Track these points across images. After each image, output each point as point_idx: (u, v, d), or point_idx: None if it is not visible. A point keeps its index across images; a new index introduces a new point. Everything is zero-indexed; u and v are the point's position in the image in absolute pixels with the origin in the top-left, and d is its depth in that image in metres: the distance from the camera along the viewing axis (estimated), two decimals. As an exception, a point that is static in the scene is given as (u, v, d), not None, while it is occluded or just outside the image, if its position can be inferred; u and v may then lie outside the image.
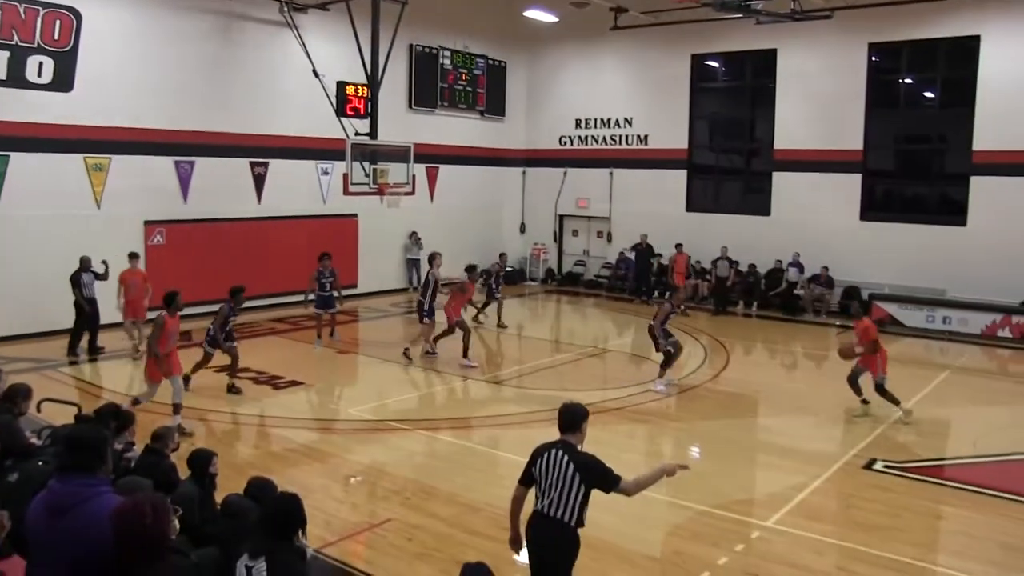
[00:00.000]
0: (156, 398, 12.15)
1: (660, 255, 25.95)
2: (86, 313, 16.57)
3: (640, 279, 26.09)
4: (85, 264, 16.72)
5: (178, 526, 4.74)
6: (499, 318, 20.60)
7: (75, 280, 16.54)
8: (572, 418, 5.99)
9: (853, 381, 13.61)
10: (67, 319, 16.71)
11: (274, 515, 5.04)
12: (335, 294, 17.84)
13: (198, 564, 4.51)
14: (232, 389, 13.95)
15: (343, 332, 19.03)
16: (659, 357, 15.32)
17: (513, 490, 6.20)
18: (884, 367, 13.23)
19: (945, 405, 14.27)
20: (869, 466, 11.15)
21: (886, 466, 11.16)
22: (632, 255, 26.38)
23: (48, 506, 4.33)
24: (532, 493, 6.10)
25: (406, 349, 16.99)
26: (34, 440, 7.82)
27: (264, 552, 4.86)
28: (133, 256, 17.16)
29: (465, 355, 16.37)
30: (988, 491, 10.33)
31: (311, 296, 17.68)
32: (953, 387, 15.78)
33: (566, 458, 5.83)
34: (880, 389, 13.21)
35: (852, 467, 11.12)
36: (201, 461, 6.88)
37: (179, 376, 12.02)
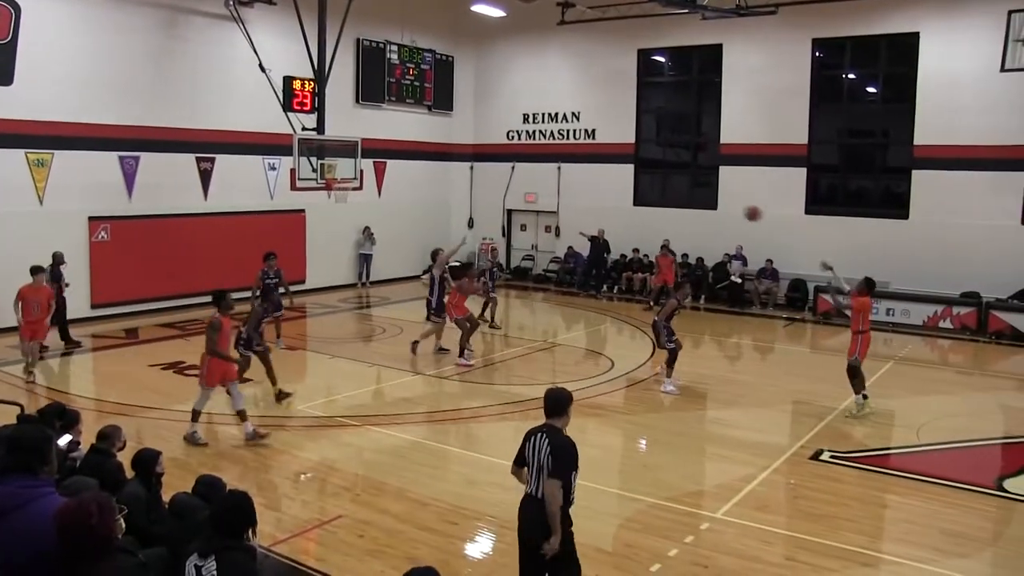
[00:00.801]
0: (102, 401, 11.99)
1: (608, 252, 26.11)
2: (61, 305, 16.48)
3: (590, 273, 26.02)
4: (59, 259, 16.74)
5: (124, 525, 4.63)
6: (491, 318, 19.81)
7: (56, 275, 16.47)
8: (556, 403, 6.13)
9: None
10: (9, 317, 15.81)
11: (223, 514, 4.94)
12: (282, 291, 17.25)
13: (145, 564, 4.40)
14: (282, 396, 13.23)
15: (290, 329, 18.80)
16: (663, 356, 14.96)
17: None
18: (864, 351, 13.10)
19: (890, 395, 14.35)
20: (816, 456, 11.21)
21: (832, 456, 11.23)
22: (587, 249, 26.09)
23: (-12, 509, 4.17)
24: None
25: (415, 342, 16.71)
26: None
27: (214, 551, 4.75)
28: (37, 271, 14.72)
29: (461, 353, 16.13)
30: (930, 479, 10.46)
31: (257, 293, 16.80)
32: (897, 377, 15.90)
33: (547, 440, 5.98)
34: (852, 370, 13.16)
35: (799, 458, 11.16)
36: (146, 461, 6.73)
37: (236, 381, 11.59)
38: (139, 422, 12.08)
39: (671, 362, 14.50)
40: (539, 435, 6.06)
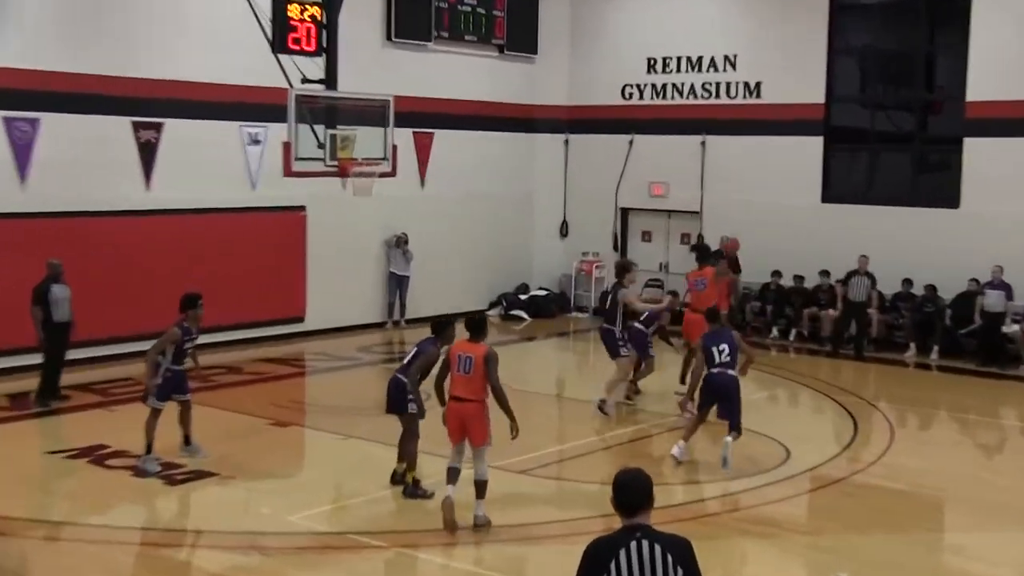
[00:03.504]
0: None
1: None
2: (54, 343, 17.59)
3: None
4: (55, 271, 17.79)
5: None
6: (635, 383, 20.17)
7: (42, 295, 17.53)
8: (642, 489, 6.29)
9: None
10: None
11: None
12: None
13: None
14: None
15: (280, 394, 19.37)
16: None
17: None
18: None
19: None
20: None
21: None
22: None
23: None
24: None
25: (601, 401, 18.08)
26: None
27: None
28: None
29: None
30: None
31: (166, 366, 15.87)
32: None
33: (659, 550, 6.12)
34: None
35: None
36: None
37: None
38: (26, 546, 12.32)
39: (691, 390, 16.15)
40: (634, 543, 6.13)
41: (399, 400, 13.89)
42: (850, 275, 24.07)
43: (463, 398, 12.52)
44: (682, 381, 18.57)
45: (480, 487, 12.60)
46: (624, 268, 18.55)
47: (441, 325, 13.49)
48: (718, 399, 15.51)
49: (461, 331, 13.43)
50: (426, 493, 13.75)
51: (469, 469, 12.77)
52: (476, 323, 13.03)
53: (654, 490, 6.27)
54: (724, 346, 15.45)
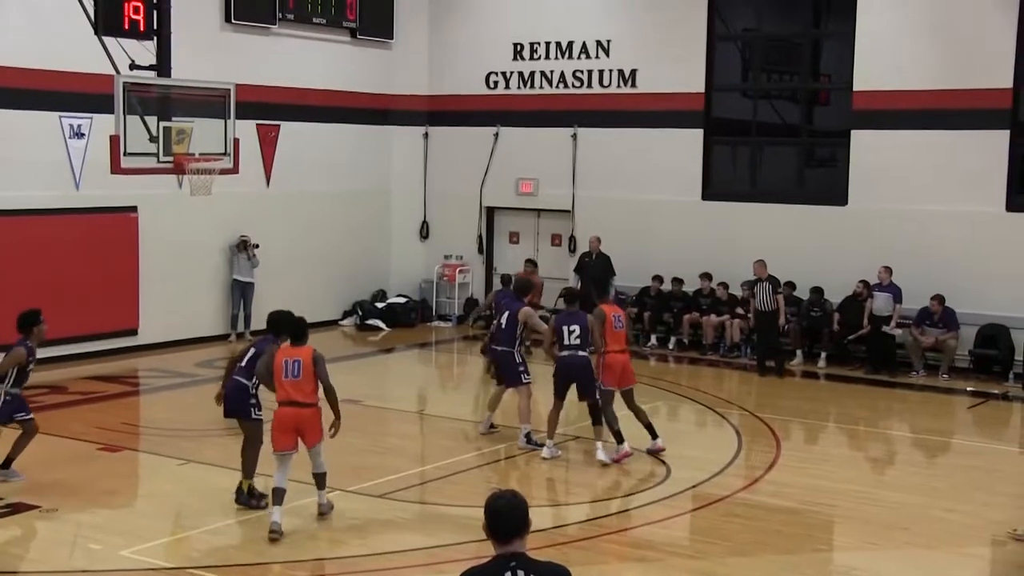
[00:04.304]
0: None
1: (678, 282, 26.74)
2: None
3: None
4: None
5: None
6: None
7: None
8: (518, 514, 6.29)
9: None
10: None
11: None
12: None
13: None
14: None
15: (111, 415, 19.22)
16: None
17: None
18: None
19: None
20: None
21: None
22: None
23: None
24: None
25: (527, 435, 17.77)
26: None
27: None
28: None
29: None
30: None
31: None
32: None
33: None
34: None
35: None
36: None
37: None
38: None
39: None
40: (511, 573, 6.17)
41: (240, 403, 14.31)
42: (754, 283, 24.14)
43: (299, 402, 13.34)
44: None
45: (320, 479, 13.79)
46: (526, 288, 19.07)
47: (282, 323, 14.05)
48: (572, 380, 16.62)
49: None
50: (259, 504, 14.26)
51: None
52: (299, 326, 13.84)
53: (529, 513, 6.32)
54: (575, 327, 16.48)
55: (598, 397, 16.74)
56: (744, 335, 25.37)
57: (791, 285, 24.64)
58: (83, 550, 13.50)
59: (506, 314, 18.30)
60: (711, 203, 26.55)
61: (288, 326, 13.85)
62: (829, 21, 26.77)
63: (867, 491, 16.24)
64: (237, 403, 14.38)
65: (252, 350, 14.43)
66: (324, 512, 13.96)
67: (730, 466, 17.11)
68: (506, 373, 18.34)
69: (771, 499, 15.53)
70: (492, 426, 18.46)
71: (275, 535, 13.07)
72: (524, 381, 17.96)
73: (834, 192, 25.30)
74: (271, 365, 13.62)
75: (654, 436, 16.90)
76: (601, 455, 16.42)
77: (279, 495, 13.26)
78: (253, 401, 14.31)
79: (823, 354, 24.36)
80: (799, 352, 24.62)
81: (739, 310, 24.74)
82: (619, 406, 16.78)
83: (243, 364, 14.42)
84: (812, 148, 27.01)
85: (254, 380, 13.92)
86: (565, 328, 16.62)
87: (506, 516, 6.28)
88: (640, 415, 16.96)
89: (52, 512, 14.32)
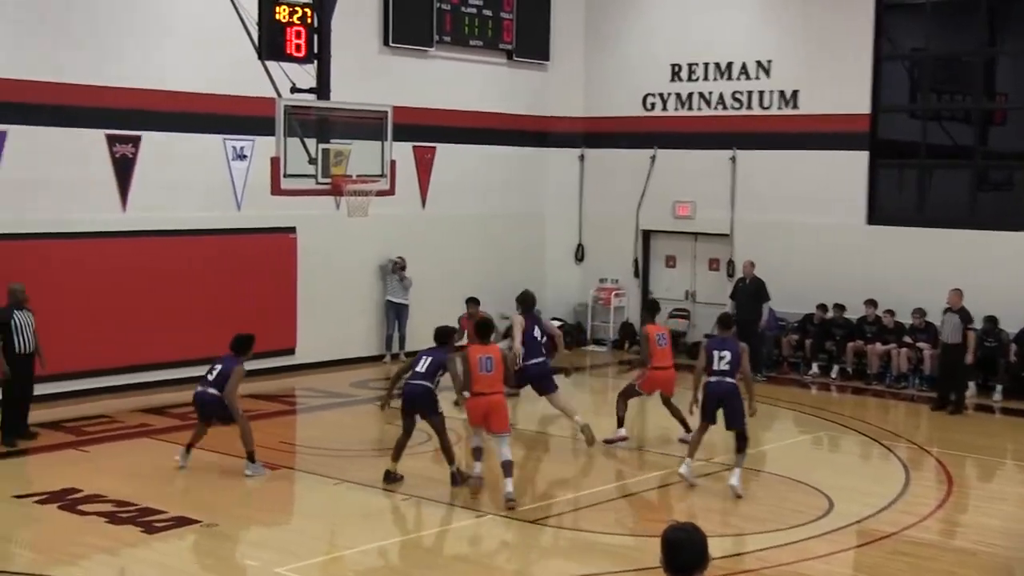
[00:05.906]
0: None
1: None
2: (18, 375, 17.85)
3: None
4: (17, 296, 18.13)
5: None
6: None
7: (2, 322, 17.89)
8: (697, 549, 6.24)
9: None
10: None
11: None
12: None
13: None
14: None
15: (268, 434, 18.86)
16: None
17: None
18: None
19: None
20: None
21: None
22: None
23: None
24: None
25: (590, 433, 18.53)
26: None
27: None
28: None
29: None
30: None
31: None
32: None
33: None
34: None
35: None
36: None
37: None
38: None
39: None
40: None
41: (428, 402, 16.16)
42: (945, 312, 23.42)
43: (486, 392, 15.43)
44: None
45: (506, 467, 15.28)
46: (532, 300, 19.70)
47: (479, 327, 16.44)
48: (719, 406, 16.54)
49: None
50: (465, 481, 16.11)
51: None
52: (486, 326, 16.43)
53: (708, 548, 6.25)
54: (727, 353, 16.44)
55: (744, 426, 16.60)
56: (912, 365, 24.62)
57: (992, 320, 23.86)
58: (240, 566, 13.85)
59: (542, 327, 19.54)
60: (877, 227, 26.17)
61: (482, 326, 16.15)
62: (1004, 37, 26.36)
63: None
64: (424, 402, 16.06)
65: (428, 357, 16.22)
66: (510, 502, 15.12)
67: (897, 501, 16.66)
68: (546, 382, 19.13)
69: (942, 538, 15.25)
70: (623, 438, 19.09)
71: (476, 483, 15.75)
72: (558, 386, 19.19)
73: (1009, 217, 24.84)
74: (467, 363, 15.67)
75: (687, 430, 18.09)
76: (734, 480, 16.35)
77: (478, 453, 15.82)
78: (436, 399, 16.23)
79: (998, 387, 23.67)
80: (972, 384, 23.58)
81: (906, 339, 23.91)
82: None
83: (423, 370, 16.17)
84: (986, 171, 26.40)
85: (436, 381, 15.89)
86: (716, 353, 16.64)
87: (684, 549, 6.23)
88: (675, 412, 18.62)
89: (212, 527, 14.58)
